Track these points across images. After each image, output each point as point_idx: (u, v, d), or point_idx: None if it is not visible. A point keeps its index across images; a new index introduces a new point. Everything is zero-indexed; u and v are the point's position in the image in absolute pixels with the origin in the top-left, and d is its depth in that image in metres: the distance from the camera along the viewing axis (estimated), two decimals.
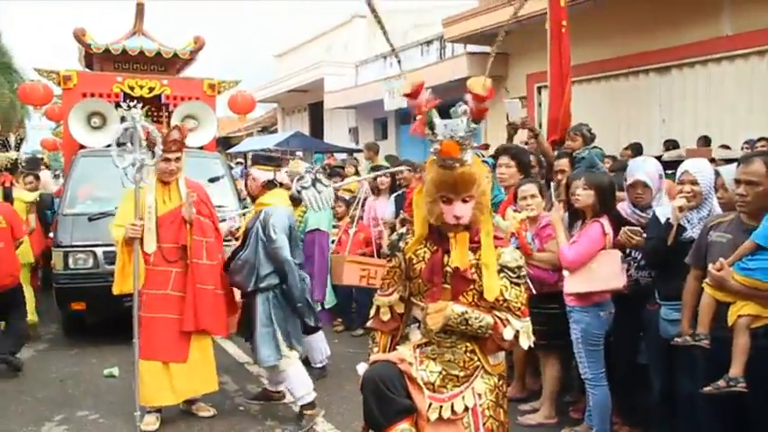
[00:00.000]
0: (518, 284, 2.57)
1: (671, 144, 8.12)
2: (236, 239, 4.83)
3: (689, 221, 3.52)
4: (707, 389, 2.92)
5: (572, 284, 3.98)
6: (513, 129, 6.36)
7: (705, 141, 7.78)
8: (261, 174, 4.58)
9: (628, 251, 3.96)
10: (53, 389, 5.36)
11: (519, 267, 2.57)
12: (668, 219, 3.52)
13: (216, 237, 4.66)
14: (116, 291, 4.46)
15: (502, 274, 2.54)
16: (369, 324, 2.90)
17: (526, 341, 2.58)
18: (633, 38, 9.61)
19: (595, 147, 5.99)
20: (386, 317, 2.79)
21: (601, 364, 3.96)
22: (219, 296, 4.59)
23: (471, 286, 2.54)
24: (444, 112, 2.45)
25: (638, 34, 9.54)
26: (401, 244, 2.72)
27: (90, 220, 6.24)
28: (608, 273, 3.86)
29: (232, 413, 4.79)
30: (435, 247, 2.60)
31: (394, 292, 2.76)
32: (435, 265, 2.57)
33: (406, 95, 2.42)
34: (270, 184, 4.57)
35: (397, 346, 2.76)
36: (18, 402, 5.06)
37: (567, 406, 4.66)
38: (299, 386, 4.49)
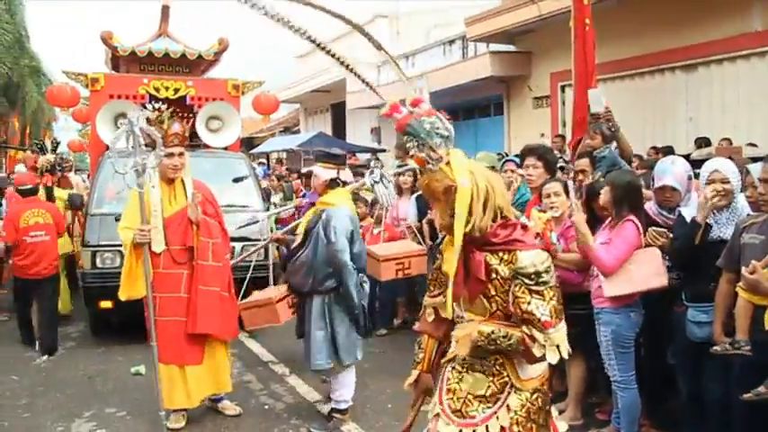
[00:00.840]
0: (539, 292, 2.33)
1: (702, 141, 7.97)
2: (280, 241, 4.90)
3: (716, 221, 3.47)
4: (747, 396, 2.82)
5: (611, 288, 3.82)
6: (594, 120, 6.21)
7: (728, 144, 7.64)
8: (323, 172, 4.37)
9: None
10: (81, 386, 5.45)
11: (538, 273, 2.33)
12: (694, 218, 3.47)
13: (223, 237, 4.57)
14: (122, 296, 4.33)
15: (517, 281, 2.36)
16: (416, 328, 2.86)
17: (553, 355, 2.36)
18: (658, 35, 9.48)
19: None
20: (430, 318, 2.76)
21: (631, 366, 3.89)
22: (226, 298, 4.52)
23: (493, 293, 2.43)
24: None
25: (663, 31, 9.40)
26: (442, 246, 2.66)
27: (117, 219, 6.30)
28: (648, 272, 3.74)
29: (257, 412, 4.82)
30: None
31: (440, 294, 2.69)
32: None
33: (385, 115, 2.50)
34: (333, 183, 4.37)
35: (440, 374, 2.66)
36: (48, 399, 5.15)
37: (593, 407, 4.60)
38: (344, 392, 4.45)
